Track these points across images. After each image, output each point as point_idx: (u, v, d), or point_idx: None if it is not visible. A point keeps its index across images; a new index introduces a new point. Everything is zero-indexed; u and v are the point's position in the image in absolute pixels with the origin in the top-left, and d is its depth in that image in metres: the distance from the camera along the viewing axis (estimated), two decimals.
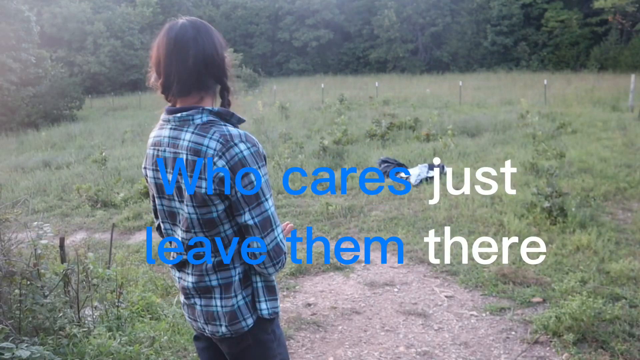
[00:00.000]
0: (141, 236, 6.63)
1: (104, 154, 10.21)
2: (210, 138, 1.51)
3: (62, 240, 3.75)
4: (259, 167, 1.53)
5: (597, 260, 4.78)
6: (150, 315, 3.84)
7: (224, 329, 1.64)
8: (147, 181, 1.71)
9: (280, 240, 1.58)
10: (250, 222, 1.53)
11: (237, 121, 1.62)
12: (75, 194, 8.45)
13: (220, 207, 1.55)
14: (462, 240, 5.50)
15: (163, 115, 1.63)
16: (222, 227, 1.58)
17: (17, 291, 3.23)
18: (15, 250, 3.62)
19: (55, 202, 8.62)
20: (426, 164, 8.43)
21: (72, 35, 38.06)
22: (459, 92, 18.98)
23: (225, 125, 1.56)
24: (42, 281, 3.37)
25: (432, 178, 7.96)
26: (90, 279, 3.52)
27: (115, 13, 40.81)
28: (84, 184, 8.58)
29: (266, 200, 1.54)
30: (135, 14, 41.87)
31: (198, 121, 1.56)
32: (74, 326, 3.24)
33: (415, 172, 8.07)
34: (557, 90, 19.36)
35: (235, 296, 1.62)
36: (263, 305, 1.65)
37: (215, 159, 1.49)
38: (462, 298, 4.36)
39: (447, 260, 5.07)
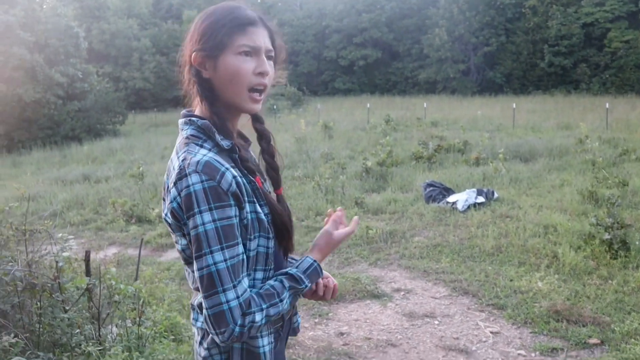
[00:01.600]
0: (173, 254, 6.52)
1: (141, 168, 10.25)
2: (178, 159, 1.26)
3: (87, 254, 3.65)
4: (211, 209, 1.18)
5: None
6: (173, 337, 3.67)
7: None
8: None
9: (230, 308, 1.18)
10: (196, 274, 1.22)
11: (219, 142, 1.29)
12: (110, 208, 8.48)
13: (183, 241, 1.29)
14: (512, 272, 5.14)
15: None
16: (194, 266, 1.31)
17: (37, 304, 3.14)
18: (45, 261, 3.56)
19: (90, 215, 8.68)
20: (474, 189, 8.03)
21: (119, 51, 39.31)
22: (512, 114, 18.35)
23: (201, 146, 1.27)
24: (63, 295, 3.27)
25: (480, 204, 7.57)
26: (112, 295, 3.38)
27: (161, 29, 41.92)
28: (120, 199, 8.61)
29: (210, 253, 1.18)
30: (182, 30, 42.44)
31: (184, 133, 1.32)
32: (91, 344, 3.11)
33: (463, 198, 7.69)
34: (620, 114, 18.36)
35: (209, 349, 1.33)
36: None
37: (171, 185, 1.24)
38: (509, 335, 4.01)
39: (494, 293, 4.70)
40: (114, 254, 6.44)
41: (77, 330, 3.09)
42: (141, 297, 3.57)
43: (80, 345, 2.99)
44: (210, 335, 1.29)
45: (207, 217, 1.18)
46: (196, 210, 1.19)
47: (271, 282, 1.30)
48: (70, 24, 24.58)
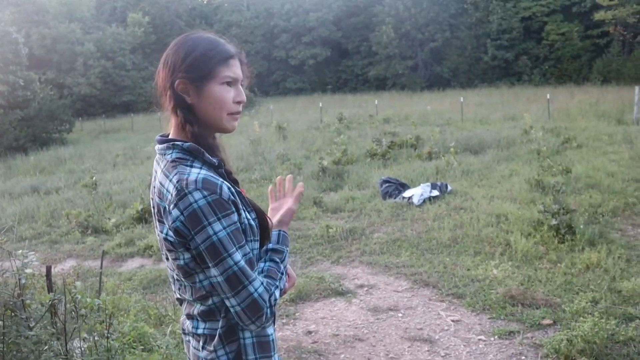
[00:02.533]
0: (133, 263, 6.47)
1: (94, 178, 9.97)
2: (170, 181, 1.34)
3: (48, 269, 3.59)
4: (219, 219, 1.30)
5: (608, 279, 4.62)
6: (142, 347, 3.66)
7: None
8: None
9: (259, 294, 1.34)
10: (215, 280, 1.34)
11: (208, 160, 1.40)
12: (64, 220, 8.27)
13: (186, 255, 1.37)
14: (468, 262, 5.35)
15: None
16: (197, 276, 1.40)
17: (0, 323, 3.08)
18: (1, 279, 3.48)
19: (43, 228, 8.42)
20: (429, 183, 8.28)
21: (62, 56, 37.90)
22: (461, 108, 18.90)
23: (191, 166, 1.36)
24: (27, 312, 3.21)
25: (435, 197, 7.81)
26: (78, 309, 3.35)
27: (105, 33, 40.45)
28: (74, 210, 8.36)
29: (229, 256, 1.31)
30: (127, 34, 41.43)
31: (168, 157, 1.40)
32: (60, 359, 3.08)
33: (418, 192, 7.91)
34: (560, 104, 19.23)
35: (215, 351, 1.43)
36: None
37: (171, 207, 1.32)
38: (469, 322, 4.20)
39: (453, 283, 4.90)
40: (72, 267, 6.30)
41: (46, 347, 3.05)
42: (107, 309, 3.55)
43: None
44: (218, 336, 1.41)
45: (217, 226, 1.30)
46: (205, 223, 1.30)
47: (265, 264, 1.46)
48: (7, 29, 23.56)
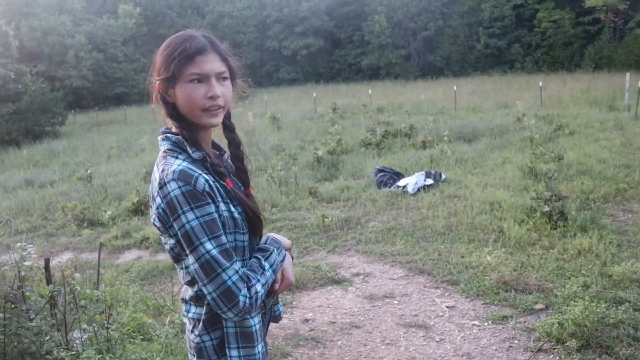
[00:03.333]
0: (130, 255, 6.51)
1: (89, 170, 9.96)
2: (158, 171, 1.44)
3: (47, 262, 3.63)
4: (192, 209, 1.36)
5: (599, 263, 4.70)
6: (141, 337, 3.72)
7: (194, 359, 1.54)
8: None
9: (233, 282, 1.36)
10: (191, 267, 1.40)
11: (192, 152, 1.46)
12: (60, 213, 8.28)
13: (171, 241, 1.45)
14: (462, 249, 5.42)
15: None
16: (184, 262, 1.47)
17: (0, 315, 3.12)
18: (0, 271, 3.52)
19: (39, 222, 8.43)
20: (423, 172, 8.33)
21: (53, 49, 37.69)
22: (454, 97, 18.94)
23: (176, 158, 1.44)
24: (27, 304, 3.26)
25: (429, 186, 7.87)
26: (77, 301, 3.39)
27: (96, 25, 40.19)
28: (69, 203, 8.40)
29: (201, 244, 1.36)
30: (118, 25, 41.19)
31: (162, 148, 1.49)
32: (62, 350, 3.12)
33: (412, 181, 7.96)
34: (552, 91, 19.32)
35: (200, 336, 1.49)
36: (234, 352, 1.48)
37: (155, 194, 1.42)
38: (463, 308, 4.27)
39: (447, 270, 4.97)
40: (69, 260, 6.33)
41: (47, 338, 3.09)
42: (106, 300, 3.59)
43: (51, 352, 3.00)
44: (202, 322, 1.47)
45: (190, 215, 1.35)
46: (180, 212, 1.36)
47: (249, 260, 1.51)
48: None
